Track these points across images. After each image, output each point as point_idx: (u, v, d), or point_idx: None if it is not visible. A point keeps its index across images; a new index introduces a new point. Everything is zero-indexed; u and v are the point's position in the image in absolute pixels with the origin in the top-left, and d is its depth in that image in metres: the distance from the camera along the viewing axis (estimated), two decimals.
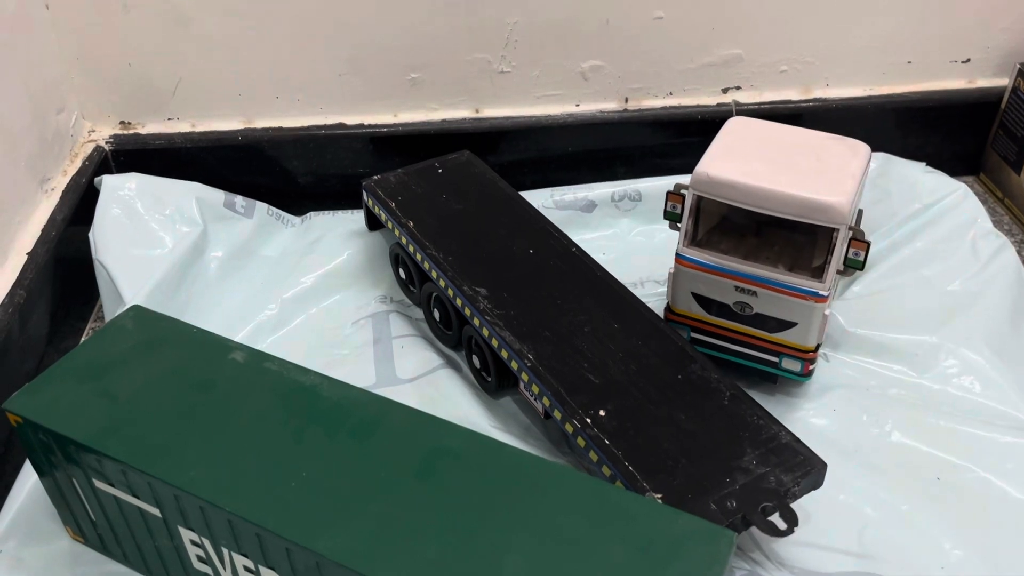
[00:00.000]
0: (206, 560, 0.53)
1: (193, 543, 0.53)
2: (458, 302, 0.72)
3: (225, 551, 0.51)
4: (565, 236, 0.77)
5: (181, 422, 0.54)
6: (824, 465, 0.59)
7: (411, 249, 0.77)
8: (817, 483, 0.59)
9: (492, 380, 0.71)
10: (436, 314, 0.78)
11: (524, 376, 0.65)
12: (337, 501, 0.49)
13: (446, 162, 0.87)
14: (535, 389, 0.65)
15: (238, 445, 0.52)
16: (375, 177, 0.84)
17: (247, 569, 0.51)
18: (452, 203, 0.81)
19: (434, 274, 0.74)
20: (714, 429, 0.60)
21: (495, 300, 0.70)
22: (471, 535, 0.47)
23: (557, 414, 0.63)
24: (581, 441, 0.61)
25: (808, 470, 0.58)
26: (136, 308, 0.63)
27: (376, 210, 0.83)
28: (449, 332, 0.77)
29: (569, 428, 0.61)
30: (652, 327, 0.68)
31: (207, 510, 0.50)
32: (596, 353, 0.66)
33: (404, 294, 0.84)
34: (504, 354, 0.67)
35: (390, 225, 0.80)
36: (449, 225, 0.78)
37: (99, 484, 0.54)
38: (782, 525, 0.56)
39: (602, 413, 0.61)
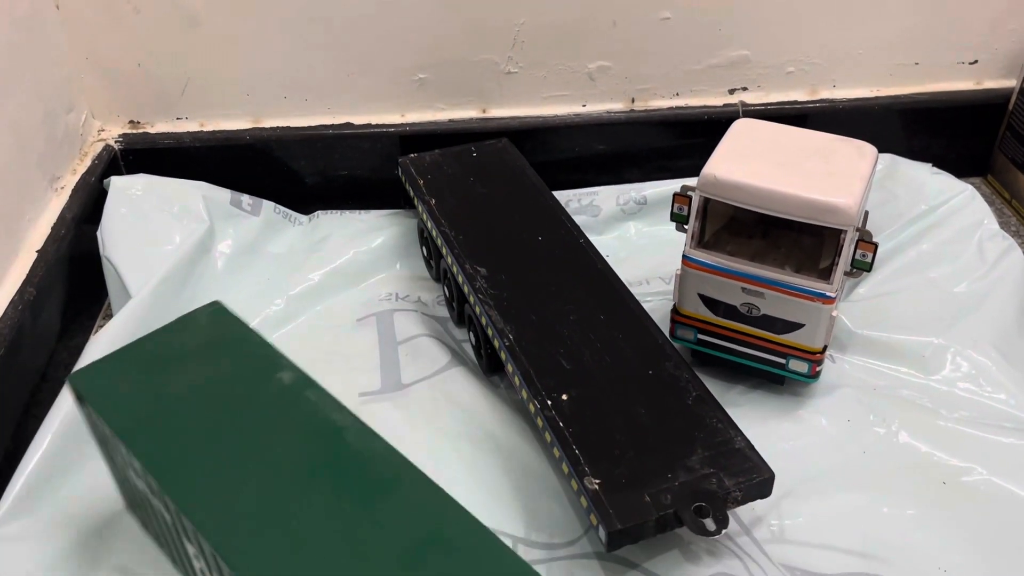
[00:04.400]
0: (206, 574, 0.53)
1: (194, 555, 0.53)
2: (460, 279, 0.74)
3: (217, 574, 0.51)
4: (577, 228, 0.79)
5: (205, 437, 0.54)
6: (772, 476, 0.58)
7: (429, 225, 0.80)
8: (764, 492, 0.59)
9: (483, 358, 0.74)
10: (446, 291, 0.81)
11: (503, 355, 0.67)
12: (316, 570, 0.47)
13: (483, 147, 0.90)
14: (510, 368, 0.66)
15: (245, 477, 0.52)
16: (411, 155, 0.88)
17: None
18: (478, 186, 0.84)
19: (444, 251, 0.77)
20: (670, 426, 0.61)
21: (492, 280, 0.73)
22: None
23: (524, 394, 0.64)
24: (539, 421, 0.63)
25: (754, 478, 0.58)
26: (216, 305, 0.63)
27: (407, 186, 0.86)
28: (453, 309, 0.80)
29: (531, 408, 0.63)
30: (637, 323, 0.69)
31: (198, 535, 0.50)
32: (575, 341, 0.67)
33: (426, 269, 0.87)
34: (489, 332, 0.70)
35: (416, 202, 0.84)
36: (469, 206, 0.81)
37: (129, 473, 0.56)
38: (711, 527, 0.55)
39: (564, 397, 0.63)
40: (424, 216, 0.82)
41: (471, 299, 0.72)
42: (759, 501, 0.61)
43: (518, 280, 0.73)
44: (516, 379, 0.66)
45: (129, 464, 0.55)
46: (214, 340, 0.60)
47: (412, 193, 0.85)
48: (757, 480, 0.58)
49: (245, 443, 0.54)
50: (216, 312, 0.62)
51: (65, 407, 0.66)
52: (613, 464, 0.58)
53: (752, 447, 0.60)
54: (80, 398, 0.57)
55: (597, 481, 0.57)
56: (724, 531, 0.55)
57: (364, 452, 0.53)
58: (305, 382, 0.57)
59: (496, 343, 0.69)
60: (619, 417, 0.62)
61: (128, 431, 0.54)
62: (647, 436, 0.60)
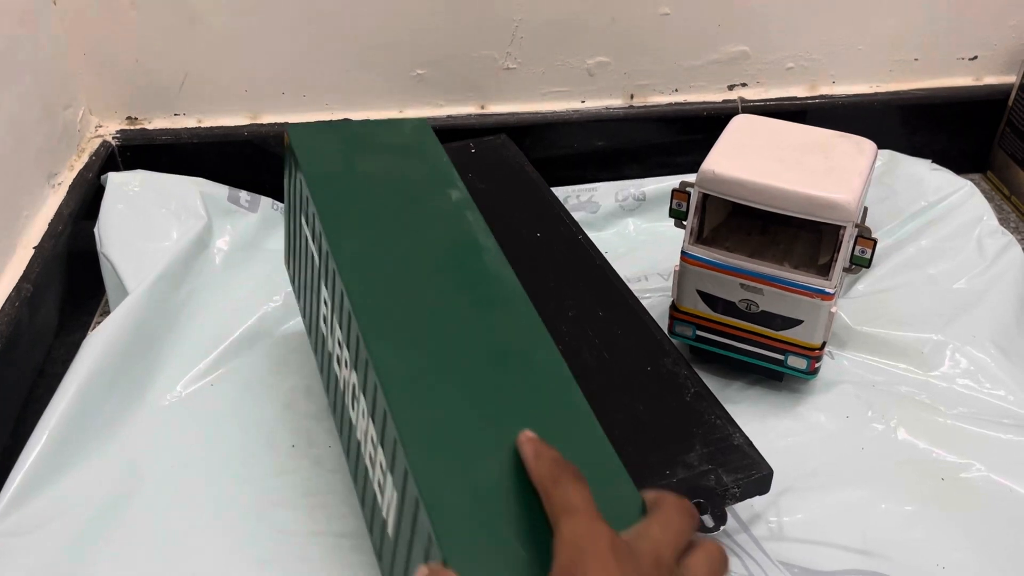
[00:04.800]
0: (327, 321, 0.58)
1: (324, 301, 0.58)
2: None
3: (337, 325, 0.56)
4: (575, 224, 0.79)
5: (371, 210, 0.60)
6: (771, 472, 0.58)
7: None
8: (762, 489, 0.59)
9: None
10: None
11: None
12: (415, 339, 0.51)
13: (481, 143, 0.88)
14: None
15: (390, 250, 0.57)
16: None
17: (338, 343, 0.56)
18: (476, 182, 0.83)
19: None
20: (669, 423, 0.61)
21: None
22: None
23: None
24: None
25: (752, 475, 0.58)
26: (422, 121, 0.69)
27: None
28: None
29: None
30: (636, 319, 0.69)
31: (336, 276, 0.55)
32: (573, 337, 0.67)
33: None
34: None
35: None
36: None
37: (302, 219, 0.63)
38: (710, 523, 0.55)
39: None
40: None
41: None
42: (757, 498, 0.61)
43: (516, 276, 0.72)
44: None
45: (305, 210, 0.62)
46: (410, 145, 0.67)
47: None
48: (756, 476, 0.58)
49: (400, 225, 0.59)
50: (420, 125, 0.69)
51: (63, 404, 0.66)
52: None
53: (751, 443, 0.60)
54: (289, 146, 0.65)
55: None
56: (722, 528, 0.55)
57: (492, 271, 0.58)
58: (468, 204, 0.63)
59: None
60: (617, 413, 0.61)
61: (315, 181, 0.61)
62: (645, 432, 0.60)
